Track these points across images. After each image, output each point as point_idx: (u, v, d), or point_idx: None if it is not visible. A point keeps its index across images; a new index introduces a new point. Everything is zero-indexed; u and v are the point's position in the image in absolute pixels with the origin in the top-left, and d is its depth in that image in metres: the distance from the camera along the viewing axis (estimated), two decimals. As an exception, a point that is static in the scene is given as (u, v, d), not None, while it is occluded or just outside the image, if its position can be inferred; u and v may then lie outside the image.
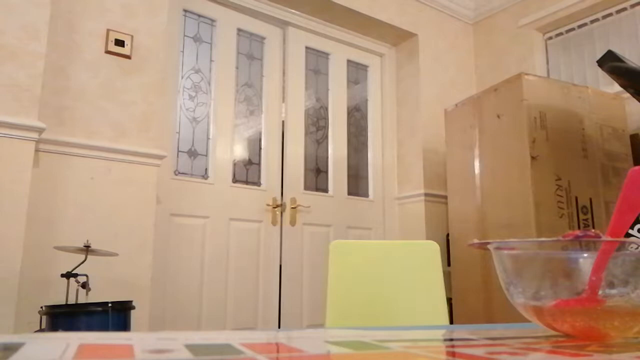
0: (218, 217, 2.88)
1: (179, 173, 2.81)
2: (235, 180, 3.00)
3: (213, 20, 3.06)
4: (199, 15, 3.01)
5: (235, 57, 3.10)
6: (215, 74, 3.01)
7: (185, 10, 2.94)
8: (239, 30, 3.16)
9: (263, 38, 3.26)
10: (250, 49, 3.21)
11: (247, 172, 3.08)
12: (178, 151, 2.82)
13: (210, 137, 2.94)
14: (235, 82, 3.08)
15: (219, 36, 3.06)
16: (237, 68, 3.11)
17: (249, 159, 3.11)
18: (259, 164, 3.13)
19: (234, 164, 3.02)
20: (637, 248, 0.44)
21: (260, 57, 3.24)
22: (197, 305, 2.72)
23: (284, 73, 3.30)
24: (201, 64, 2.98)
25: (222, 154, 2.95)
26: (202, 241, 2.80)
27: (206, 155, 2.92)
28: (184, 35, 2.93)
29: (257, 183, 3.10)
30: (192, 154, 2.88)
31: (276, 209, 3.10)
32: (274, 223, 3.08)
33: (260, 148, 3.15)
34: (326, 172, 3.39)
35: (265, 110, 3.19)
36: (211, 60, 3.02)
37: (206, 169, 2.91)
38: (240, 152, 3.08)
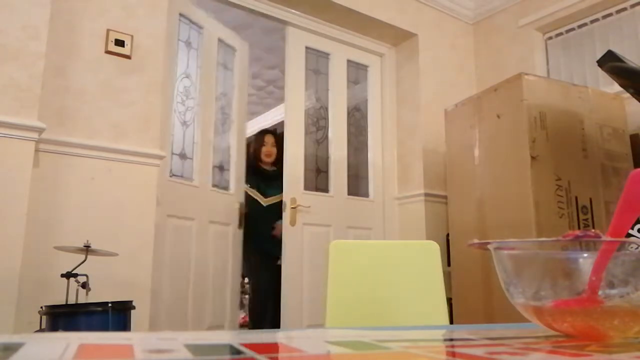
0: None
1: (173, 175, 2.78)
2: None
3: (200, 28, 3.02)
4: (190, 21, 2.94)
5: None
6: (200, 79, 2.94)
7: (181, 15, 2.91)
8: (239, 30, 3.15)
9: (263, 38, 3.26)
10: (250, 49, 3.20)
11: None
12: (172, 154, 2.79)
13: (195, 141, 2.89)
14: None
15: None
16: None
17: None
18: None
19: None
20: (637, 248, 0.44)
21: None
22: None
23: (283, 73, 3.29)
24: (190, 69, 2.93)
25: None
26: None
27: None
28: (178, 40, 2.88)
29: (257, 183, 3.10)
30: (183, 156, 2.85)
31: (276, 209, 3.10)
32: (274, 223, 3.08)
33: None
34: (326, 172, 3.39)
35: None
36: (197, 67, 2.96)
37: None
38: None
